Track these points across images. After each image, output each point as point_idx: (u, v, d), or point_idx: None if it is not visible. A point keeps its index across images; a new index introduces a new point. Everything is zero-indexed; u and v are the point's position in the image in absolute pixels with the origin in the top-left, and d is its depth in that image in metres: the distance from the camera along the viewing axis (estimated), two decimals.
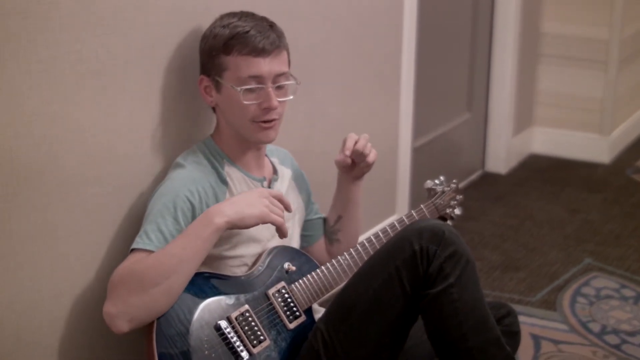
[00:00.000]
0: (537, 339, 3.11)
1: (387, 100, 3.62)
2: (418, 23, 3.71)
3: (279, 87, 2.34)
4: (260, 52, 2.29)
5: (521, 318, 2.71)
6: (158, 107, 2.41)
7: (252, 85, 2.30)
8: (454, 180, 2.68)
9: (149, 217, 2.23)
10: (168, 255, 2.14)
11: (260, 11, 2.45)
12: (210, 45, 2.34)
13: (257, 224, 2.22)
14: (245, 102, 2.30)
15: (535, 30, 4.84)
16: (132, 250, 2.19)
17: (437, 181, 2.65)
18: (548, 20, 4.85)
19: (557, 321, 3.24)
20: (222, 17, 2.38)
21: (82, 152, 2.21)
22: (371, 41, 3.43)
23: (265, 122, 2.33)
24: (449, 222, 2.63)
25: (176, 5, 2.41)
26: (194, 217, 2.24)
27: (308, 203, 2.66)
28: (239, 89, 2.30)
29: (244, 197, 2.23)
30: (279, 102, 2.33)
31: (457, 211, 2.65)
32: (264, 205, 2.22)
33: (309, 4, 3.00)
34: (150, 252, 2.17)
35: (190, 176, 2.29)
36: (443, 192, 2.64)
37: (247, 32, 2.30)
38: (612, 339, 3.12)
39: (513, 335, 2.48)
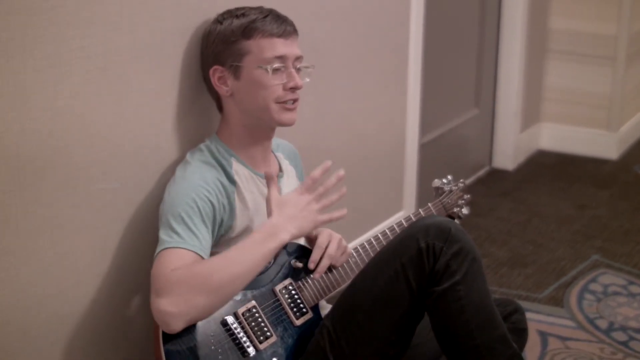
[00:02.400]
0: (544, 336, 3.10)
1: (394, 96, 3.62)
2: (425, 19, 3.70)
3: (298, 70, 2.38)
4: (282, 33, 2.34)
5: (528, 315, 2.70)
6: (164, 103, 2.41)
7: (278, 64, 2.33)
8: (461, 180, 2.67)
9: (172, 216, 2.21)
10: (236, 262, 2.17)
11: (265, 6, 2.45)
12: (226, 34, 2.35)
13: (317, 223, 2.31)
14: (272, 82, 2.32)
15: (543, 26, 4.83)
16: (165, 249, 2.17)
17: (444, 180, 2.64)
18: (556, 16, 4.84)
19: (564, 318, 3.23)
20: (226, 12, 2.40)
21: (88, 148, 2.21)
22: (378, 37, 3.42)
23: (288, 103, 2.36)
24: (456, 221, 2.63)
25: (182, 2, 2.41)
26: (214, 218, 2.25)
27: None
28: (267, 67, 2.31)
29: (296, 211, 2.27)
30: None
31: (465, 210, 2.65)
32: (313, 212, 2.29)
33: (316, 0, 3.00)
34: (188, 250, 2.16)
35: (202, 176, 2.29)
36: (451, 191, 2.63)
37: (266, 16, 2.35)
38: (620, 336, 3.11)
39: (520, 333, 2.47)
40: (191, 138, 2.47)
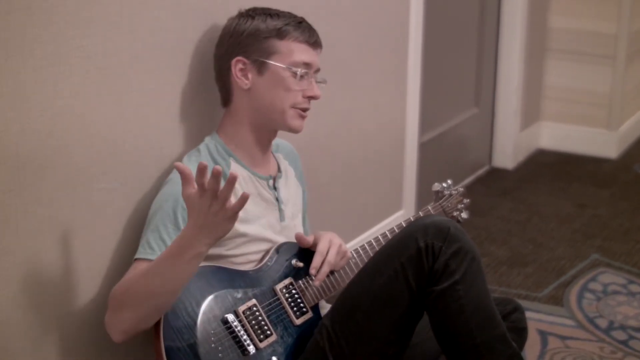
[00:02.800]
0: (544, 335, 3.11)
1: (394, 95, 3.62)
2: (425, 18, 3.71)
3: (317, 82, 2.41)
4: (313, 43, 2.39)
5: (528, 314, 2.70)
6: (164, 102, 2.41)
7: (305, 70, 2.36)
8: (461, 185, 2.68)
9: (150, 223, 2.23)
10: (152, 275, 2.08)
11: (268, 5, 2.45)
12: (259, 29, 2.35)
13: (229, 231, 2.09)
14: (294, 86, 2.35)
15: (543, 25, 4.83)
16: (136, 259, 2.20)
17: (444, 184, 2.65)
18: (555, 14, 4.84)
19: (564, 317, 3.24)
20: (255, 8, 2.41)
21: (88, 148, 2.21)
22: (378, 36, 3.42)
23: (303, 110, 2.39)
24: None
25: (182, 2, 2.41)
26: None
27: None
28: (297, 70, 2.34)
29: (203, 216, 2.00)
30: None
31: (464, 215, 2.65)
32: (220, 217, 2.00)
33: None
34: (149, 261, 2.17)
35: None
36: (450, 195, 2.64)
37: (301, 22, 2.39)
38: (619, 335, 3.11)
39: (520, 332, 2.47)
40: (191, 138, 2.47)
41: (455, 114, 4.39)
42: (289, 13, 2.41)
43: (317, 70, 2.41)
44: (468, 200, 2.66)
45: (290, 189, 2.53)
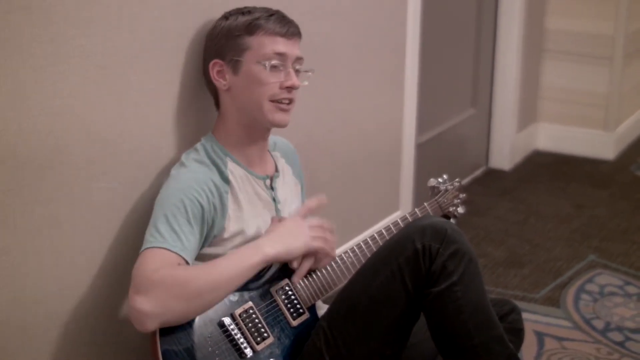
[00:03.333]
0: (540, 336, 3.11)
1: (392, 96, 3.62)
2: (422, 18, 3.71)
3: (297, 72, 2.40)
4: (285, 33, 2.36)
5: (525, 315, 2.71)
6: (163, 102, 2.41)
7: (277, 62, 2.34)
8: (457, 179, 2.68)
9: (159, 216, 2.22)
10: (217, 272, 2.18)
11: (266, 5, 2.45)
12: (230, 29, 2.37)
13: (301, 254, 2.35)
14: (268, 78, 2.34)
15: (540, 26, 4.84)
16: (147, 248, 2.18)
17: (440, 179, 2.65)
18: (553, 15, 4.84)
19: (560, 318, 3.24)
20: (234, 9, 2.42)
21: (87, 148, 2.21)
22: (375, 36, 3.42)
23: (283, 102, 2.36)
24: (452, 220, 2.63)
25: (181, 2, 2.41)
26: (203, 218, 2.25)
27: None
28: (266, 63, 2.33)
29: (287, 231, 2.33)
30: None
31: (461, 210, 2.65)
32: (305, 235, 2.34)
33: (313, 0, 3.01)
34: (168, 251, 2.17)
35: (194, 176, 2.29)
36: (446, 190, 2.63)
37: (272, 15, 2.38)
38: (616, 336, 3.11)
39: (517, 333, 2.47)
40: (189, 138, 2.47)
41: (453, 115, 4.39)
42: (262, 8, 2.41)
43: (299, 60, 2.40)
44: (464, 195, 2.66)
45: (288, 189, 2.53)
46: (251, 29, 2.35)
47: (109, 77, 2.24)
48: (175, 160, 2.40)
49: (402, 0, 3.57)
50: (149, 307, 2.10)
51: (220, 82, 2.39)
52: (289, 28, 2.37)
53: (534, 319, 3.20)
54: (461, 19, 4.33)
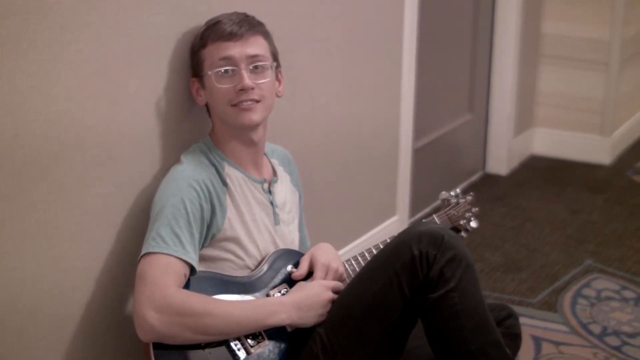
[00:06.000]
0: (537, 341, 3.11)
1: (388, 101, 3.62)
2: (419, 23, 3.71)
3: (255, 69, 2.35)
4: (229, 36, 2.33)
5: (522, 319, 2.71)
6: (160, 107, 2.41)
7: (224, 67, 2.33)
8: (470, 193, 2.67)
9: (159, 219, 2.21)
10: (233, 320, 2.18)
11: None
12: (193, 44, 2.40)
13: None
14: (219, 86, 2.32)
15: (536, 31, 4.84)
16: (148, 253, 2.17)
17: (452, 193, 2.65)
18: (549, 20, 4.85)
19: (557, 323, 3.24)
20: (206, 22, 2.42)
21: (84, 152, 2.21)
22: (372, 41, 3.43)
23: (242, 104, 2.33)
24: (462, 234, 2.63)
25: (178, 5, 2.41)
26: (202, 218, 2.25)
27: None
28: (210, 72, 2.33)
29: (309, 302, 2.30)
30: (256, 83, 2.33)
31: (474, 224, 2.64)
32: (325, 307, 2.32)
33: (310, 3, 3.00)
34: (171, 257, 2.16)
35: (193, 176, 2.29)
36: (457, 203, 2.63)
37: (219, 21, 2.36)
38: (613, 341, 3.12)
39: (514, 338, 2.47)
40: (186, 143, 2.47)
41: (449, 120, 4.39)
42: (228, 14, 2.38)
43: (252, 58, 2.34)
44: (477, 208, 2.65)
45: (286, 194, 2.53)
46: (204, 41, 2.36)
47: (105, 82, 2.24)
48: (172, 165, 2.39)
49: (399, 5, 3.57)
50: (159, 326, 2.11)
51: (198, 99, 2.42)
52: (233, 29, 2.33)
53: (531, 324, 3.20)
54: (458, 24, 4.33)
